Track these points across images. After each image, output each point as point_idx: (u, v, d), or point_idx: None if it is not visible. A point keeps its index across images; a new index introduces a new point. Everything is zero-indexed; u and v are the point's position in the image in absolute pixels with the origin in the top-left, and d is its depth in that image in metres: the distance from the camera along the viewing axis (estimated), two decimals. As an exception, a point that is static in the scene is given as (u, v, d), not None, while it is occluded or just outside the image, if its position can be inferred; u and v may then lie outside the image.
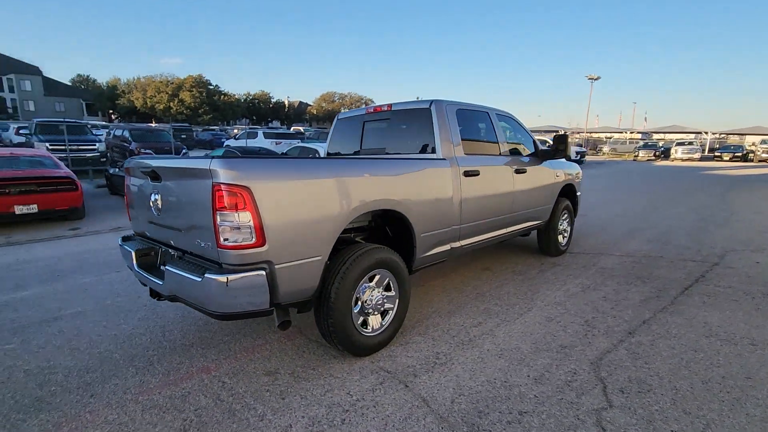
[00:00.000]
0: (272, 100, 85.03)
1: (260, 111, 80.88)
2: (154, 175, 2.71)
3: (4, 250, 6.26)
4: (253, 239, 2.24)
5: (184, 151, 15.87)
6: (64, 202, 7.81)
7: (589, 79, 43.25)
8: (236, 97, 69.00)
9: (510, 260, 5.48)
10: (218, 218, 2.20)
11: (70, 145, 13.30)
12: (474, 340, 3.26)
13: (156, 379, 2.77)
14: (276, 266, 2.37)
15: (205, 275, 2.23)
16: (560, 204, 5.50)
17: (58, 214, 7.87)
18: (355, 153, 4.45)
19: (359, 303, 2.92)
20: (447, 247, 3.71)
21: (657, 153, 33.80)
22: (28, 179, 7.42)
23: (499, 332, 3.38)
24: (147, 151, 15.03)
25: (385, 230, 3.50)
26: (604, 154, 42.50)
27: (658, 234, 6.92)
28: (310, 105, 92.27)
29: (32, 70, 61.18)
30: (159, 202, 2.71)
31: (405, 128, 4.04)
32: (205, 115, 54.71)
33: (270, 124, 72.66)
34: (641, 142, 41.14)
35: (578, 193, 6.06)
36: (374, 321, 3.04)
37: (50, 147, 13.19)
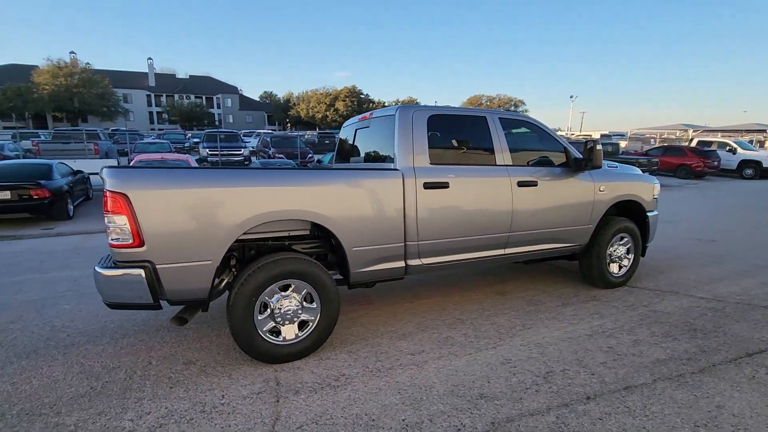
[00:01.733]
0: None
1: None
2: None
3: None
4: (131, 240, 2.54)
5: (309, 155, 17.81)
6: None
7: (814, 61, 32.74)
8: (384, 103, 73.53)
9: (538, 287, 4.70)
10: (106, 220, 2.56)
11: (221, 151, 16.30)
12: (394, 369, 2.97)
13: (112, 350, 3.32)
14: (158, 266, 2.62)
15: (94, 268, 2.62)
16: (611, 225, 4.47)
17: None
18: (346, 161, 4.46)
19: (269, 310, 2.97)
20: (400, 263, 3.45)
21: None
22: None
23: (431, 366, 3.00)
24: (280, 155, 17.37)
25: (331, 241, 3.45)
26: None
27: (798, 275, 5.00)
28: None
29: (232, 90, 76.24)
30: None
31: (379, 136, 3.89)
32: (355, 122, 59.93)
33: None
34: None
35: (651, 213, 4.81)
36: (288, 331, 3.05)
37: (210, 152, 16.38)
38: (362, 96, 64.50)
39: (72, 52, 69.87)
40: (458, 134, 3.83)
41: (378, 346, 3.33)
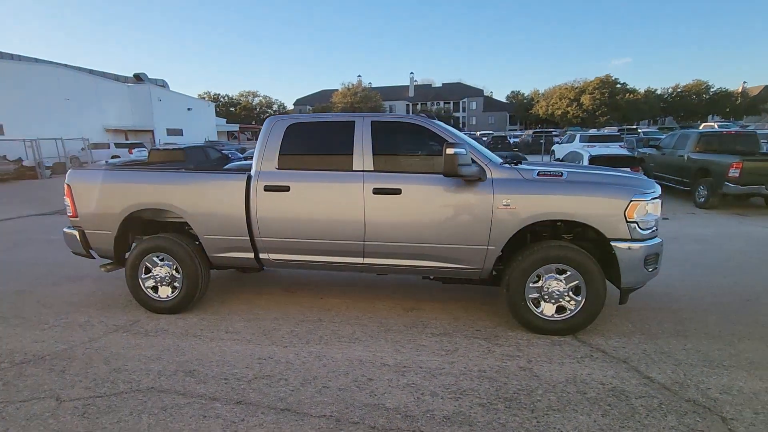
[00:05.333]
0: (710, 90, 68.34)
1: (689, 105, 67.33)
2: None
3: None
4: (71, 213, 4.18)
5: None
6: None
7: None
8: (655, 91, 61.07)
9: (460, 314, 4.06)
10: (64, 200, 4.28)
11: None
12: (197, 337, 3.61)
13: (120, 283, 5.20)
14: (86, 230, 4.19)
15: (63, 229, 4.40)
16: (536, 251, 3.45)
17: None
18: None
19: (151, 273, 4.14)
20: (249, 255, 3.95)
21: None
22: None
23: (215, 344, 3.49)
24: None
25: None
26: None
27: None
28: (783, 89, 66.95)
29: (477, 93, 79.61)
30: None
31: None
32: (602, 116, 52.33)
33: (707, 121, 59.46)
34: None
35: (624, 243, 3.32)
36: (163, 291, 4.13)
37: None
38: (618, 85, 55.33)
39: (359, 75, 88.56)
40: (319, 141, 3.92)
41: (224, 321, 3.97)
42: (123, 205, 4.04)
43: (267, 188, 3.81)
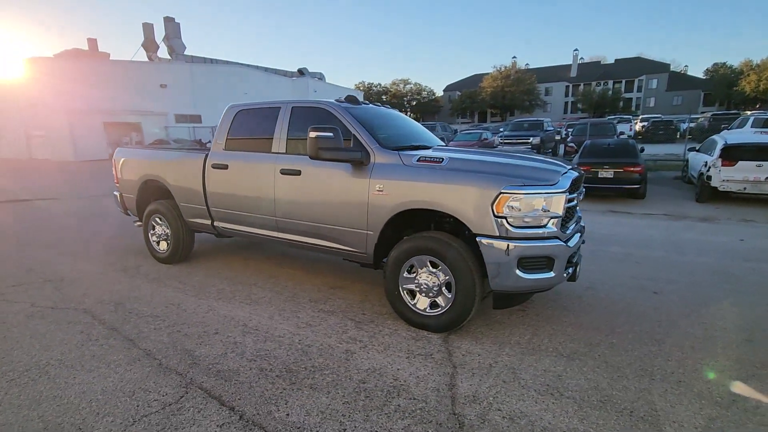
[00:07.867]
0: None
1: None
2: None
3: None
4: (115, 180, 5.60)
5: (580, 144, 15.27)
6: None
7: None
8: None
9: (371, 298, 4.10)
10: (113, 170, 5.72)
11: (511, 139, 17.03)
12: (160, 281, 4.56)
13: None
14: (123, 194, 5.57)
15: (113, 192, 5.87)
16: (406, 240, 3.33)
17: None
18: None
19: (155, 230, 5.30)
20: (208, 221, 4.71)
21: None
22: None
23: (150, 290, 4.36)
24: (571, 144, 16.07)
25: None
26: None
27: None
28: None
29: (660, 68, 66.62)
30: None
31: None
32: None
33: None
34: None
35: (489, 242, 2.91)
36: (161, 246, 5.26)
37: (500, 140, 17.60)
38: None
39: (513, 57, 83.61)
40: (255, 125, 4.34)
41: (189, 276, 4.83)
42: (138, 176, 5.26)
43: (213, 166, 4.47)
